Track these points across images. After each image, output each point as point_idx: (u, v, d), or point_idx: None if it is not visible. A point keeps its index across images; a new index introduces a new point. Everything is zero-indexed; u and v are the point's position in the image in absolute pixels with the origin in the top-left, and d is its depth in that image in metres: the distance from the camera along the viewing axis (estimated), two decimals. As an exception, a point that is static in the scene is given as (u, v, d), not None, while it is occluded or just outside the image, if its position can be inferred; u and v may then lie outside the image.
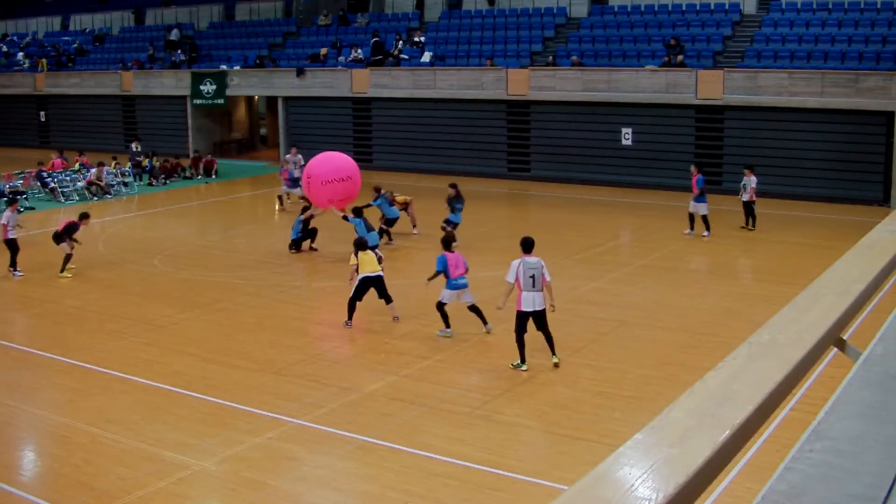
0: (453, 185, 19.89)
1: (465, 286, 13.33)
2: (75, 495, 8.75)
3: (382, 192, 20.07)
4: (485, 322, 13.42)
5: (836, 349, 2.57)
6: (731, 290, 16.06)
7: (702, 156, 26.89)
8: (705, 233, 20.27)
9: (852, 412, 1.94)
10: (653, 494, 1.46)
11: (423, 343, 13.23)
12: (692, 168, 20.74)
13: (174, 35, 40.94)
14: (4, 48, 46.26)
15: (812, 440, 1.79)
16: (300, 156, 25.66)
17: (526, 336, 11.84)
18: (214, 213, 26.19)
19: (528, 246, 12.01)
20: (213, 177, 31.65)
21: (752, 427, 1.78)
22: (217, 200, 28.20)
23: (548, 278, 11.88)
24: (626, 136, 27.87)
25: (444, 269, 13.24)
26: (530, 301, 11.69)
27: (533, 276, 11.65)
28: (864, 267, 3.02)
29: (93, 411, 10.84)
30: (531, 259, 11.82)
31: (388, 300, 14.13)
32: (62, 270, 17.65)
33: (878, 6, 27.15)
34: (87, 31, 46.01)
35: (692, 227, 20.41)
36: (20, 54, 44.58)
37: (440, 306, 13.36)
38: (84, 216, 18.21)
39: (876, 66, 24.59)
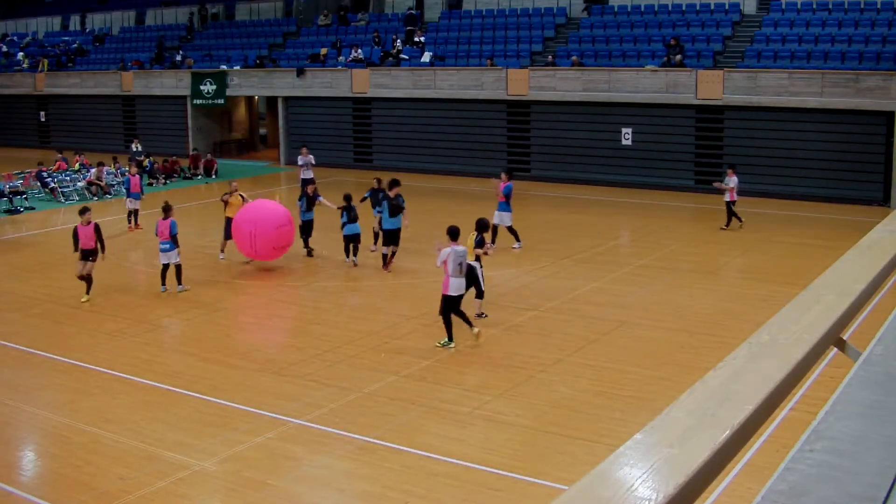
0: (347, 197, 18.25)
1: (164, 250, 16.08)
2: (75, 495, 8.75)
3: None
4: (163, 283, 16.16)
5: (836, 349, 2.57)
6: (731, 290, 16.06)
7: (702, 156, 26.94)
8: (516, 244, 18.90)
9: (852, 412, 1.94)
10: (653, 494, 1.46)
11: (423, 343, 13.23)
12: (502, 174, 19.03)
13: (215, 8, 41.33)
14: (4, 48, 46.25)
15: (812, 440, 1.78)
16: (311, 156, 25.67)
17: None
18: (214, 213, 26.16)
19: (455, 234, 12.93)
20: (214, 177, 31.65)
21: (752, 427, 1.78)
22: (217, 200, 28.17)
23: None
24: (626, 136, 27.87)
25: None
26: (457, 286, 12.62)
27: (461, 264, 12.63)
28: (864, 267, 3.02)
29: (93, 411, 10.84)
30: (460, 248, 12.73)
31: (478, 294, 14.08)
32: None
33: (878, 6, 27.16)
34: (88, 31, 46.03)
35: (493, 240, 18.22)
36: (20, 54, 44.60)
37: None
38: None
39: (876, 66, 24.59)
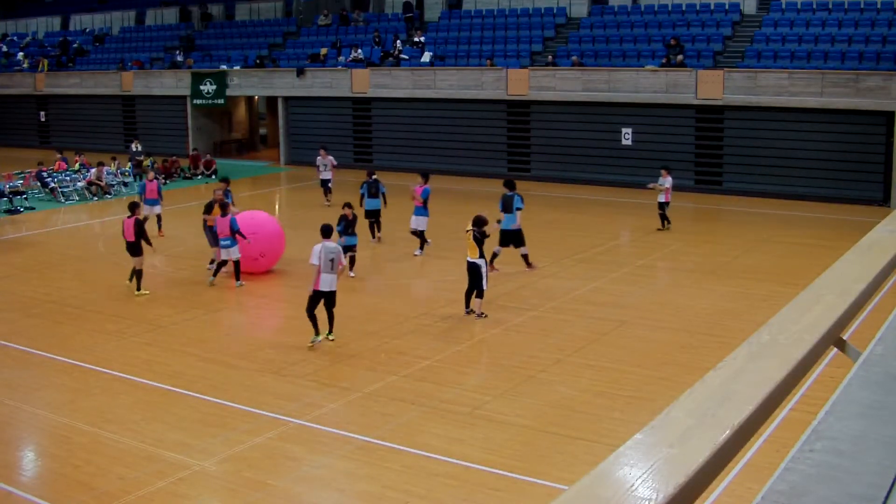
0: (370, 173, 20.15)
1: (224, 246, 16.58)
2: (75, 495, 8.75)
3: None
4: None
5: (836, 349, 2.57)
6: (731, 290, 16.05)
7: (702, 156, 26.95)
8: (418, 251, 18.62)
9: (852, 412, 1.93)
10: (653, 494, 1.46)
11: (423, 343, 13.23)
12: (420, 178, 18.70)
13: (215, 7, 41.48)
14: (4, 48, 46.25)
15: (812, 440, 1.78)
16: (330, 157, 25.63)
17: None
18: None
19: (327, 232, 13.34)
20: (213, 177, 31.62)
21: (752, 427, 1.78)
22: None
23: (343, 263, 13.32)
24: (626, 136, 27.87)
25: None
26: (328, 282, 12.85)
27: (332, 260, 12.82)
28: (864, 267, 3.02)
29: (93, 411, 10.84)
30: (330, 244, 13.01)
31: (478, 293, 14.21)
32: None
33: (878, 6, 27.16)
34: (87, 31, 46.02)
35: (421, 247, 18.66)
36: (20, 54, 44.59)
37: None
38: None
39: (876, 66, 24.59)
